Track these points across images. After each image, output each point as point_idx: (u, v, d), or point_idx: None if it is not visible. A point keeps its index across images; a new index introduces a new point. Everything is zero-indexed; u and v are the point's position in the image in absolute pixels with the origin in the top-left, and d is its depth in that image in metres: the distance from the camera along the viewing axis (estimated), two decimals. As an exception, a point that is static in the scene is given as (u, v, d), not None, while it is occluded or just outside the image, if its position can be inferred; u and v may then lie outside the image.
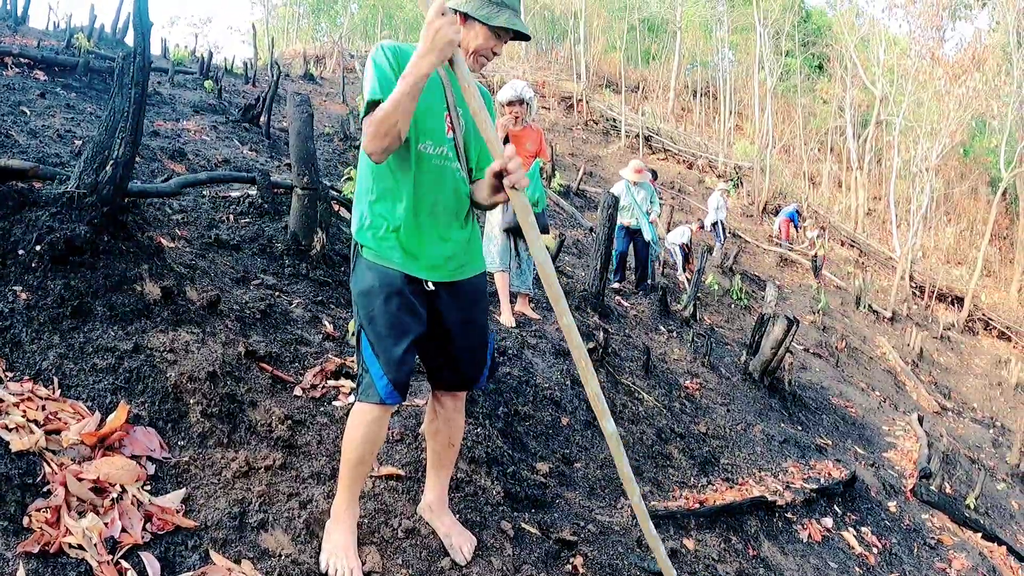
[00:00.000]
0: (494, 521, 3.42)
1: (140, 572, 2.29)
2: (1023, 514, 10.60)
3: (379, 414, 2.67)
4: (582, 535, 3.74)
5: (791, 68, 38.19)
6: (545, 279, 2.41)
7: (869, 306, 17.93)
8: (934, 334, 19.98)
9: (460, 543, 3.04)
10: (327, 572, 2.67)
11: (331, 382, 3.93)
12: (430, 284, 2.67)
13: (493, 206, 2.72)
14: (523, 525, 3.51)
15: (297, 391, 3.75)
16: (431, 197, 2.62)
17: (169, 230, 5.11)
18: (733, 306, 11.53)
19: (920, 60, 28.17)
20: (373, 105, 2.42)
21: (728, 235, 17.84)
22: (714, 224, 17.75)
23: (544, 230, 6.78)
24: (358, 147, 11.47)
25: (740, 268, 13.97)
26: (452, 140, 2.65)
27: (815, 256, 19.75)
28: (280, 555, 2.66)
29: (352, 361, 4.08)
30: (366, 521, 3.02)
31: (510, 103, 6.22)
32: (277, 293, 4.89)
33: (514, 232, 6.41)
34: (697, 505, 4.61)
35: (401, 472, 3.39)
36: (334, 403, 3.77)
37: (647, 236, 9.48)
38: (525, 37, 2.65)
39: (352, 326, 2.79)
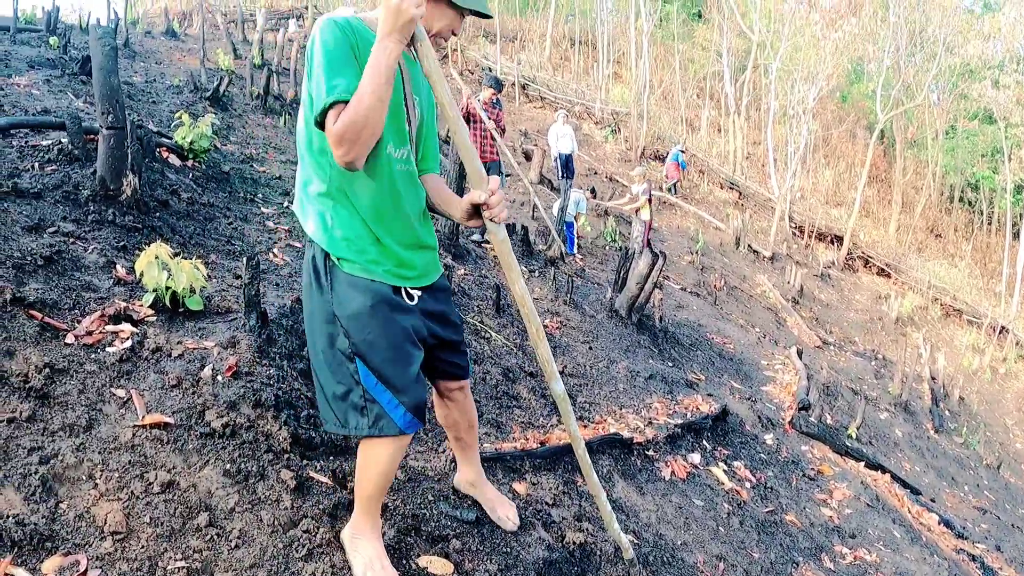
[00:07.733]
0: (274, 471, 2.86)
1: None
2: (908, 441, 10.64)
3: (399, 445, 2.43)
4: (386, 483, 3.20)
5: (669, 15, 38.14)
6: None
7: (749, 246, 17.92)
8: (814, 272, 20.23)
9: (505, 512, 3.17)
10: None
11: (109, 327, 3.43)
12: (415, 294, 2.44)
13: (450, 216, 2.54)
14: (311, 474, 2.96)
15: (69, 338, 3.23)
16: (404, 203, 2.34)
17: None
18: (607, 248, 11.12)
19: (798, 5, 28.33)
20: (334, 105, 2.03)
21: (571, 173, 14.84)
22: (556, 157, 15.00)
23: None
24: (208, 98, 10.64)
25: (615, 212, 13.56)
26: (409, 134, 2.35)
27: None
28: (5, 516, 2.26)
29: (139, 304, 3.66)
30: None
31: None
32: (72, 240, 4.33)
33: None
34: (537, 446, 4.09)
35: (170, 420, 2.87)
36: (108, 349, 3.24)
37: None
38: (486, 16, 2.34)
39: (320, 342, 2.38)
